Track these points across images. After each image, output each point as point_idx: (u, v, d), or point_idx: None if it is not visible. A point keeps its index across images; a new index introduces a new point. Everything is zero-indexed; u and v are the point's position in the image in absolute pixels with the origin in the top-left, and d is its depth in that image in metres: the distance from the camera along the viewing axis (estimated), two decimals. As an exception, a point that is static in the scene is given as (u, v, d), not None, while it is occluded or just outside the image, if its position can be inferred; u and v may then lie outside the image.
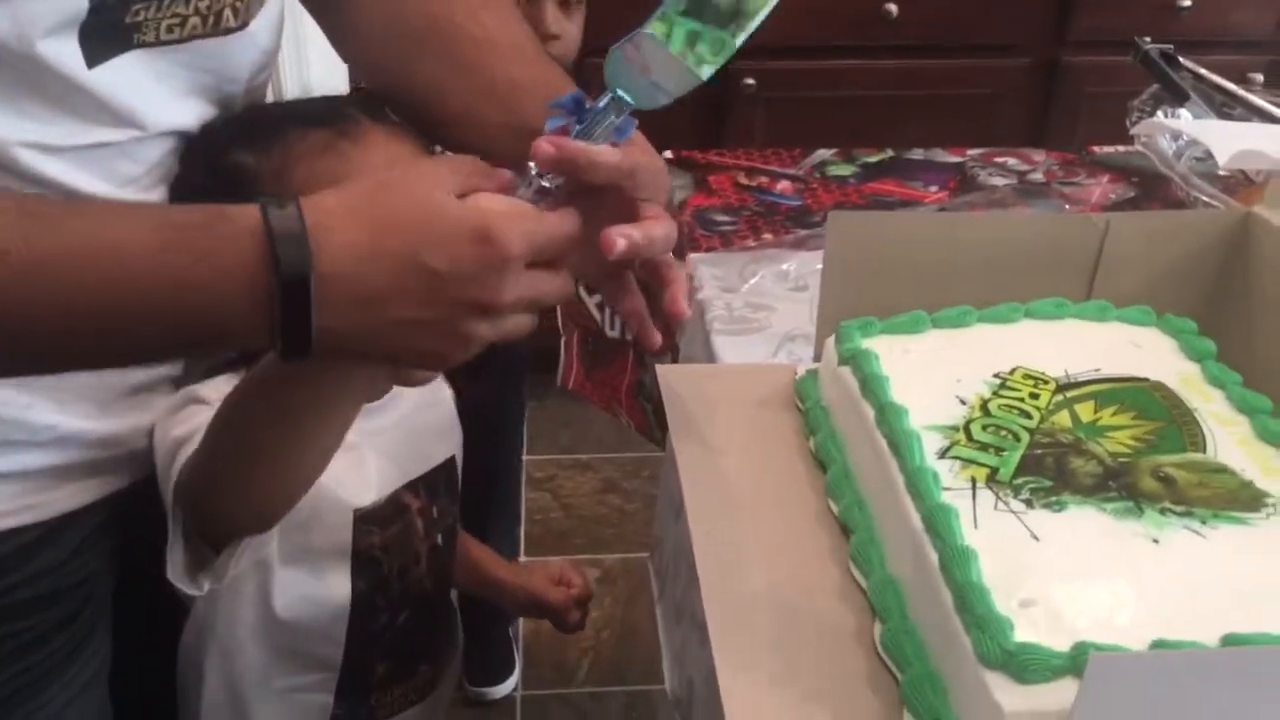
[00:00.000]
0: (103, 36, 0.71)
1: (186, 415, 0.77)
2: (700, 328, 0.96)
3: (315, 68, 1.85)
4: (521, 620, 1.93)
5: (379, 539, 0.90)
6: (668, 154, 1.29)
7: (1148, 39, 1.31)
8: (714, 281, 1.00)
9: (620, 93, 0.67)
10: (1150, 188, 1.17)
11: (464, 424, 0.98)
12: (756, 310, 0.95)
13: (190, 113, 0.79)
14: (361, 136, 0.83)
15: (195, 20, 0.77)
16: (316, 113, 0.85)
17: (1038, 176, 1.20)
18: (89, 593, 0.84)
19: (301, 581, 0.87)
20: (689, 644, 0.75)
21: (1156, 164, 1.06)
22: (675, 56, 0.66)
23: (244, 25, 0.82)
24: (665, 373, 0.83)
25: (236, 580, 0.83)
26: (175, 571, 0.75)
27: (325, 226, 0.58)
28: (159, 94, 0.76)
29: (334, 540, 0.87)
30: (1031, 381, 0.73)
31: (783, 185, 1.18)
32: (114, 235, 0.58)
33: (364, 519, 0.88)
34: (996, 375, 0.74)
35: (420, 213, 0.60)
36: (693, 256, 1.05)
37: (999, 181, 1.18)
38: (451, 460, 0.97)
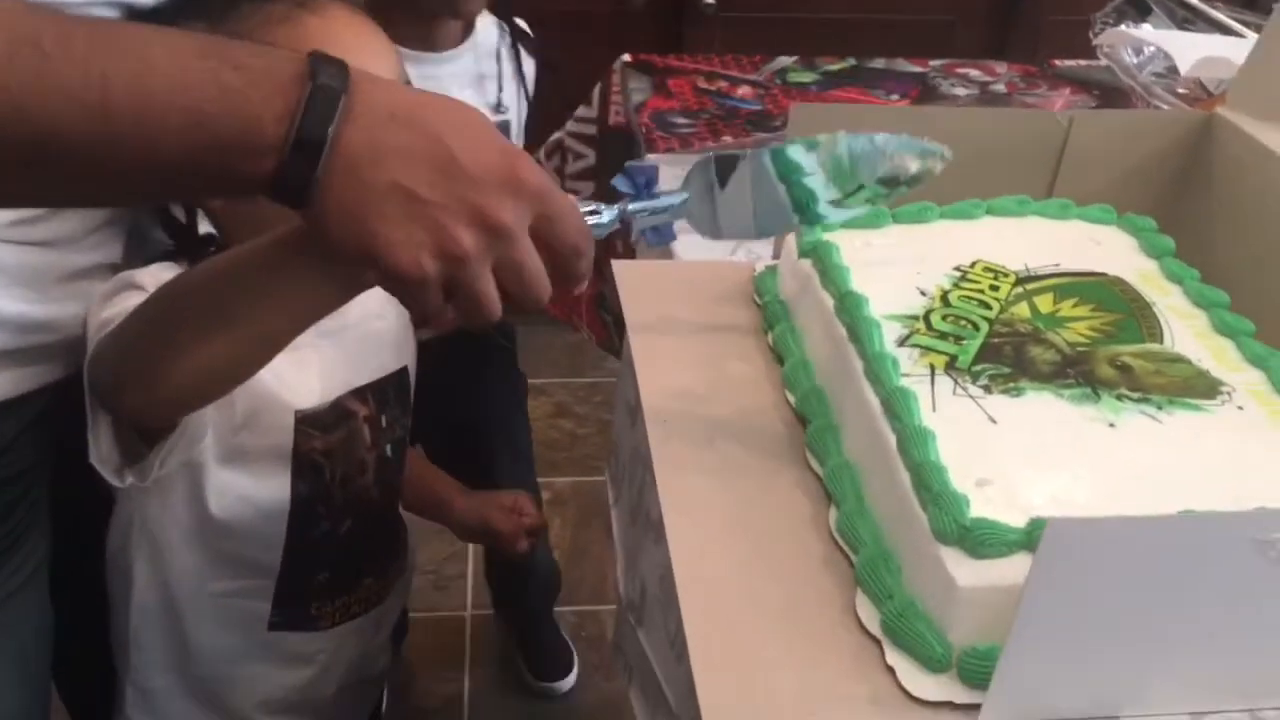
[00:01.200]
0: None
1: (120, 299, 0.75)
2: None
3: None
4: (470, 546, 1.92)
5: (321, 443, 0.88)
6: (626, 56, 1.26)
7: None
8: (674, 181, 0.98)
9: (689, 201, 0.66)
10: (1111, 100, 1.16)
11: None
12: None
13: None
14: (321, 9, 0.81)
15: None
16: None
17: (999, 88, 1.19)
18: (25, 488, 0.82)
19: (238, 482, 0.85)
20: (644, 545, 0.75)
21: (1118, 74, 1.06)
22: (781, 196, 0.65)
23: None
24: (622, 269, 0.82)
25: (166, 480, 0.81)
26: (98, 455, 0.72)
27: (369, 78, 0.57)
28: None
29: (273, 441, 0.85)
30: (991, 274, 0.73)
31: (743, 90, 1.16)
32: (151, 33, 0.55)
33: (305, 421, 0.86)
34: (957, 268, 0.73)
35: (462, 112, 0.58)
36: (651, 157, 1.03)
37: (961, 92, 1.17)
38: (404, 371, 0.95)
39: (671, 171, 1.01)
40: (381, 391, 0.92)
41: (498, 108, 1.17)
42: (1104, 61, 1.07)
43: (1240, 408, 0.62)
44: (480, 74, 1.17)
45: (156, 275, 0.75)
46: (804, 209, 0.66)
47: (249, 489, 0.86)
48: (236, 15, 0.79)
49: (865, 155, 0.66)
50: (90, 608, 0.92)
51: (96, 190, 0.60)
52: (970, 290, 0.71)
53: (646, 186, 0.67)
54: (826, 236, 0.76)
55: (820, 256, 0.73)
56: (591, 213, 0.63)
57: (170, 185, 0.58)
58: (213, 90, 0.54)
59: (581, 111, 1.25)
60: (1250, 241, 0.80)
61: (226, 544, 0.87)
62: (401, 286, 0.57)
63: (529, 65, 1.21)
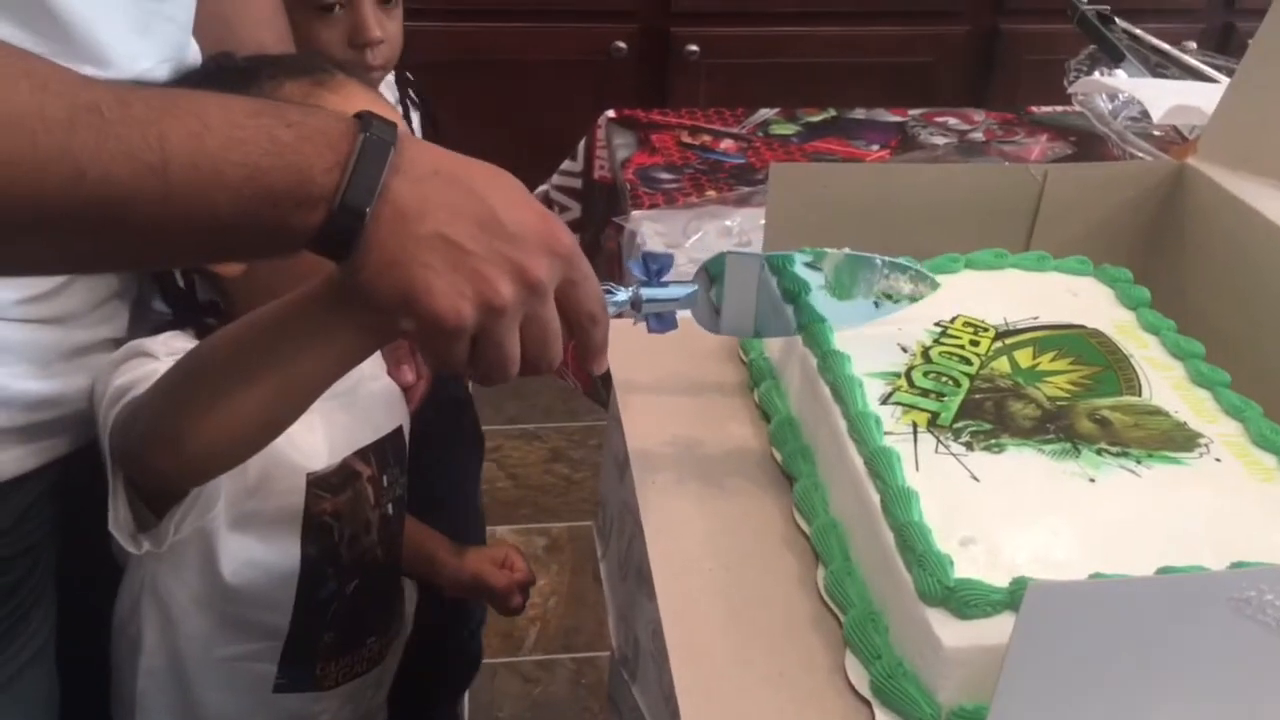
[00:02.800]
0: None
1: (131, 366, 0.76)
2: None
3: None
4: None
5: (330, 505, 0.88)
6: (610, 112, 1.28)
7: (1084, 1, 1.32)
8: (657, 238, 1.00)
9: (695, 293, 0.71)
10: (1087, 146, 1.18)
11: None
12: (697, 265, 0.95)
13: (152, 58, 0.78)
14: (339, 87, 0.84)
15: None
16: (291, 64, 0.86)
17: (977, 136, 1.21)
18: (32, 562, 0.82)
19: (250, 547, 0.86)
20: (635, 599, 0.75)
21: (1093, 122, 1.07)
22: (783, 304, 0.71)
23: None
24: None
25: (178, 546, 0.81)
26: (116, 522, 0.73)
27: (412, 138, 0.60)
28: (129, 34, 0.75)
29: (286, 505, 0.86)
30: (971, 329, 0.74)
31: (726, 144, 1.18)
32: (204, 97, 0.58)
33: (316, 484, 0.87)
34: (937, 324, 0.74)
35: (500, 174, 0.62)
36: (635, 214, 1.04)
37: (939, 141, 1.19)
38: (399, 430, 0.96)
39: (654, 227, 1.03)
40: (381, 451, 0.93)
41: None
42: (1078, 109, 1.10)
43: (1218, 460, 0.63)
44: None
45: (167, 343, 0.77)
46: (804, 323, 0.73)
47: (259, 553, 0.86)
48: (256, 92, 0.81)
49: (864, 272, 0.72)
50: (90, 677, 0.92)
51: (151, 250, 0.61)
52: (951, 346, 0.72)
53: (659, 274, 0.70)
54: (809, 295, 0.77)
55: (802, 313, 0.74)
56: (606, 291, 0.66)
57: (221, 242, 0.60)
58: (266, 145, 0.56)
59: (567, 165, 1.27)
60: (1224, 290, 0.81)
61: (236, 608, 0.87)
62: (437, 333, 0.59)
63: (414, 116, 1.24)
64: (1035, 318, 0.75)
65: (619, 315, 0.68)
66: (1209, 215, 0.82)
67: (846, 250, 0.71)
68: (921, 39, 2.36)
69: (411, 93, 1.25)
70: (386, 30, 1.15)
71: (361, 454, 0.91)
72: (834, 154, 1.16)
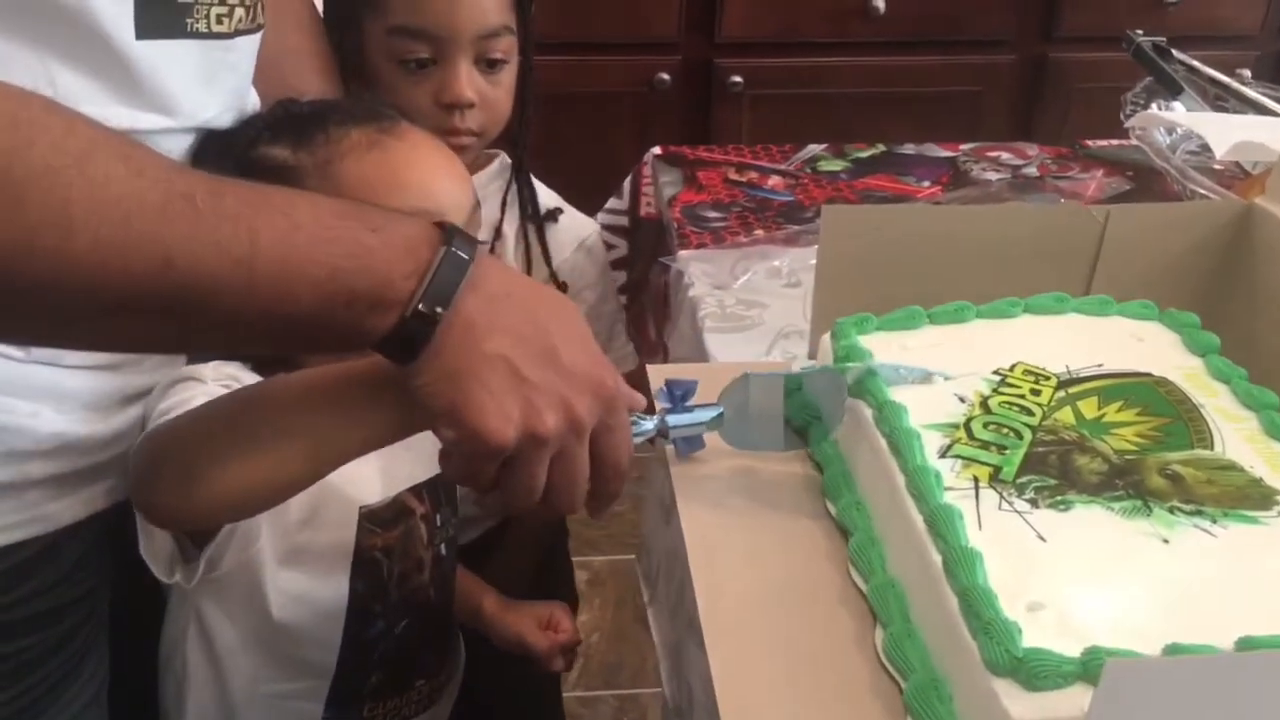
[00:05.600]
0: (157, 12, 0.71)
1: (178, 390, 0.75)
2: (692, 325, 0.94)
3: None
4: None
5: (381, 540, 0.87)
6: (656, 149, 1.27)
7: (1139, 32, 1.30)
8: (705, 278, 0.98)
9: (723, 415, 0.71)
10: (1145, 181, 1.15)
11: None
12: (749, 307, 0.94)
13: (216, 106, 0.79)
14: (403, 134, 0.84)
15: (240, 12, 0.78)
16: (355, 110, 0.86)
17: (1031, 170, 1.19)
18: (89, 610, 0.82)
19: (298, 582, 0.85)
20: (686, 649, 0.73)
21: (1151, 157, 1.05)
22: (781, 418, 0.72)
23: (264, 24, 0.82)
24: (656, 373, 0.81)
25: (224, 580, 0.81)
26: (149, 549, 0.73)
27: (490, 257, 0.63)
28: (196, 83, 0.76)
29: (336, 538, 0.85)
30: (1032, 378, 0.72)
31: (773, 181, 1.16)
32: (294, 194, 0.61)
33: (368, 518, 0.86)
34: (996, 372, 0.72)
35: (565, 308, 0.66)
36: (683, 254, 1.03)
37: (992, 176, 1.16)
38: None
39: (702, 268, 1.01)
40: (435, 489, 0.92)
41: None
42: (1135, 143, 1.07)
43: (1297, 519, 0.60)
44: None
45: (217, 369, 0.77)
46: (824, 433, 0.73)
47: (308, 588, 0.85)
48: (323, 139, 0.82)
49: (888, 380, 0.71)
50: (142, 717, 0.92)
51: (225, 339, 0.63)
52: (1011, 395, 0.70)
53: (683, 399, 0.71)
54: (862, 341, 0.75)
55: (859, 360, 0.72)
56: (634, 422, 0.68)
57: (294, 336, 0.61)
58: (351, 247, 0.58)
59: (613, 203, 1.26)
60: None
61: (284, 645, 0.86)
62: (476, 449, 0.61)
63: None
64: (1099, 365, 0.73)
65: (647, 441, 0.70)
66: (1278, 257, 0.79)
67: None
68: (968, 68, 2.33)
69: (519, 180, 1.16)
70: (485, 94, 1.06)
71: (415, 491, 0.90)
72: (884, 191, 1.14)
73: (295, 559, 0.84)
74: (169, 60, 0.73)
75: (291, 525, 0.83)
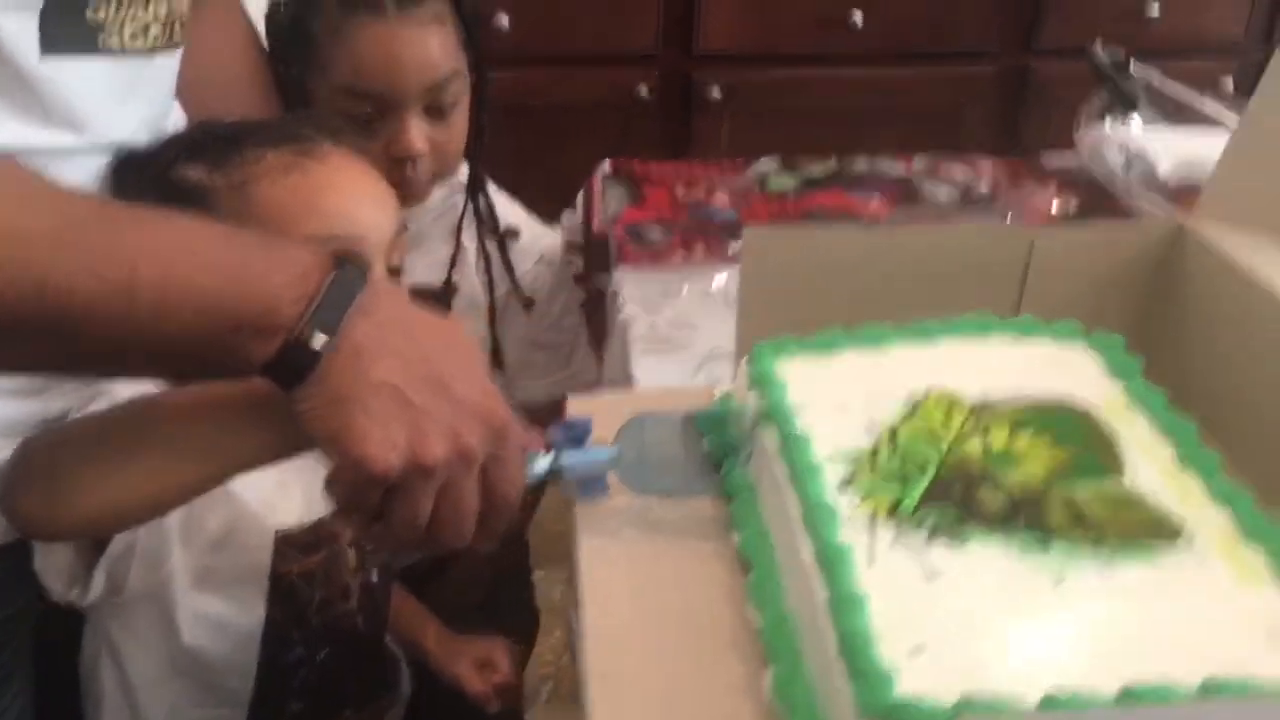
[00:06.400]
0: (64, 28, 0.70)
1: (91, 405, 0.74)
2: (622, 347, 0.92)
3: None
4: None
5: (299, 565, 0.86)
6: (606, 164, 1.25)
7: (1098, 44, 1.28)
8: (638, 299, 0.97)
9: (621, 454, 0.69)
10: (1100, 197, 1.13)
11: None
12: (679, 328, 0.92)
13: (131, 125, 0.78)
14: (325, 156, 0.83)
15: (156, 29, 0.77)
16: (274, 132, 0.84)
17: (982, 189, 1.17)
18: (6, 636, 0.81)
19: (211, 606, 0.84)
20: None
21: (1095, 174, 1.03)
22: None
23: (184, 43, 0.81)
24: (575, 404, 0.80)
25: (130, 603, 0.80)
26: (44, 565, 0.72)
27: (383, 284, 0.64)
28: (109, 101, 0.76)
29: (250, 562, 0.84)
30: (945, 405, 0.70)
31: (719, 198, 1.15)
32: (182, 220, 0.60)
33: (285, 542, 0.84)
34: (909, 399, 0.70)
35: (459, 336, 0.64)
36: (618, 273, 1.01)
37: (943, 195, 1.15)
38: None
39: (637, 290, 1.00)
40: None
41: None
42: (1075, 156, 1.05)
43: (1199, 557, 0.58)
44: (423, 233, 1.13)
45: (131, 385, 0.75)
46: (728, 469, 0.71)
47: (222, 612, 0.84)
48: (239, 160, 0.81)
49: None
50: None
51: (113, 362, 0.62)
52: (920, 425, 0.68)
53: (579, 439, 0.69)
54: (779, 365, 0.73)
55: (766, 390, 0.71)
56: (529, 461, 0.66)
57: (179, 361, 0.61)
58: (238, 272, 0.58)
59: (566, 218, 1.24)
60: (1223, 361, 0.76)
61: (198, 671, 0.85)
62: (360, 476, 0.59)
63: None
64: (1016, 390, 0.71)
65: (542, 484, 0.68)
66: (1208, 280, 0.78)
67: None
68: (948, 78, 2.31)
69: (482, 198, 1.14)
70: (436, 141, 1.05)
71: (342, 515, 0.88)
72: (830, 208, 1.12)
73: (209, 582, 0.83)
74: (78, 78, 0.73)
75: (205, 547, 0.82)
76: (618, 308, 0.99)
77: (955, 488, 0.63)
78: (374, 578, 0.92)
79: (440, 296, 1.15)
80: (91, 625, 0.86)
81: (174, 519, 0.79)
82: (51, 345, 0.57)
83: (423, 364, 0.60)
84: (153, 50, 0.77)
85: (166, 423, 0.65)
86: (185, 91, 0.93)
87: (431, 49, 1.03)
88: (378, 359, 0.59)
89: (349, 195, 0.82)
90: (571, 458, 0.69)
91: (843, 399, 0.70)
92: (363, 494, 0.60)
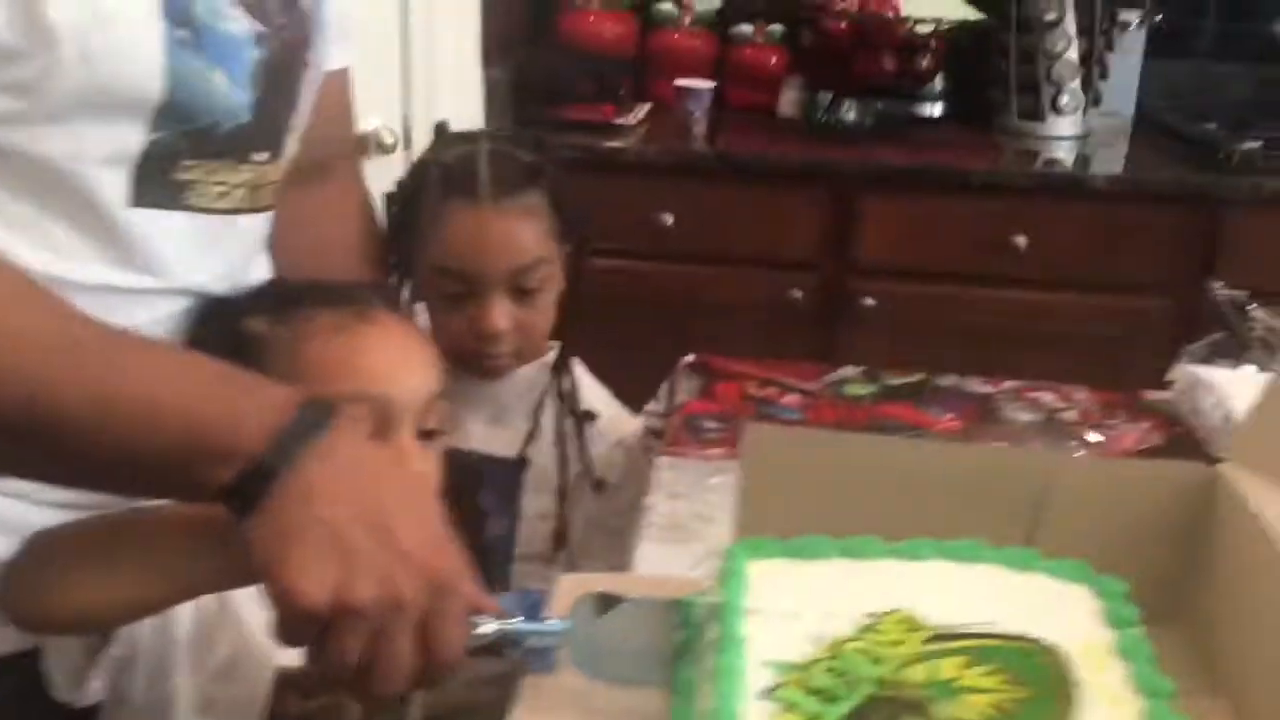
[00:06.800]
0: (153, 184, 0.78)
1: None
2: (636, 533, 0.92)
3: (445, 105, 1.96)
4: None
5: (298, 708, 0.87)
6: (690, 357, 1.27)
7: (1219, 283, 1.23)
8: (666, 487, 0.97)
9: (572, 631, 0.69)
10: (1183, 442, 1.07)
11: None
12: (697, 520, 0.91)
13: (206, 273, 0.85)
14: (376, 318, 0.88)
15: (241, 193, 0.84)
16: (337, 293, 0.91)
17: (1070, 415, 1.12)
18: None
19: None
20: None
21: (1181, 412, 0.97)
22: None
23: (272, 207, 0.89)
24: (570, 582, 0.80)
25: (134, 714, 0.83)
26: (52, 664, 0.76)
27: (353, 431, 0.66)
28: (190, 250, 0.83)
29: (249, 695, 0.85)
30: (904, 626, 0.66)
31: (789, 398, 1.15)
32: (173, 351, 0.69)
33: (286, 681, 0.86)
34: (870, 615, 0.67)
35: (416, 490, 0.67)
36: (659, 460, 1.02)
37: (1024, 417, 1.11)
38: None
39: (669, 475, 0.99)
40: None
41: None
42: (1166, 397, 0.99)
43: (1123, 826, 0.53)
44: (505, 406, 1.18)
45: None
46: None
47: None
48: (297, 317, 0.87)
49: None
50: None
51: (82, 472, 0.67)
52: (869, 644, 0.65)
53: (532, 610, 0.69)
54: (749, 566, 0.72)
55: (726, 587, 0.69)
56: (474, 624, 0.66)
57: (144, 479, 0.65)
58: (215, 405, 0.63)
59: (651, 406, 1.26)
60: (1249, 620, 0.70)
61: None
62: (284, 607, 0.62)
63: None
64: (989, 623, 0.67)
65: (489, 649, 0.68)
66: (1236, 532, 0.72)
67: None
68: (1115, 310, 2.25)
69: (567, 379, 1.18)
70: (520, 321, 1.10)
71: None
72: (899, 420, 1.10)
73: (211, 709, 0.85)
74: (161, 229, 0.80)
75: (211, 674, 0.84)
76: (647, 494, 0.99)
77: (880, 714, 0.59)
78: (376, 732, 0.92)
79: (514, 469, 1.19)
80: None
81: (183, 638, 0.83)
82: (33, 451, 0.63)
83: (372, 509, 0.62)
84: (236, 212, 0.84)
85: (140, 539, 0.70)
86: (294, 253, 1.02)
87: (520, 237, 1.09)
88: (326, 499, 0.61)
89: (384, 360, 0.87)
90: (523, 628, 0.68)
91: (800, 607, 0.68)
92: (294, 627, 0.62)
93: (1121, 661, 0.64)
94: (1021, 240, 2.21)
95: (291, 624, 0.62)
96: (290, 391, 0.65)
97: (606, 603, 0.70)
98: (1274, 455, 0.73)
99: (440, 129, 1.16)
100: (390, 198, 1.13)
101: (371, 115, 1.66)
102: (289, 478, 0.61)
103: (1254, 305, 1.17)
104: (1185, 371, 1.02)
